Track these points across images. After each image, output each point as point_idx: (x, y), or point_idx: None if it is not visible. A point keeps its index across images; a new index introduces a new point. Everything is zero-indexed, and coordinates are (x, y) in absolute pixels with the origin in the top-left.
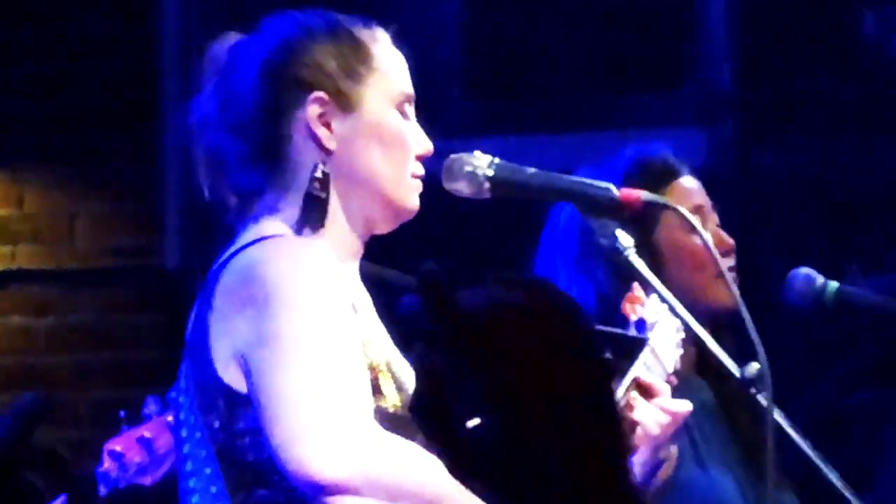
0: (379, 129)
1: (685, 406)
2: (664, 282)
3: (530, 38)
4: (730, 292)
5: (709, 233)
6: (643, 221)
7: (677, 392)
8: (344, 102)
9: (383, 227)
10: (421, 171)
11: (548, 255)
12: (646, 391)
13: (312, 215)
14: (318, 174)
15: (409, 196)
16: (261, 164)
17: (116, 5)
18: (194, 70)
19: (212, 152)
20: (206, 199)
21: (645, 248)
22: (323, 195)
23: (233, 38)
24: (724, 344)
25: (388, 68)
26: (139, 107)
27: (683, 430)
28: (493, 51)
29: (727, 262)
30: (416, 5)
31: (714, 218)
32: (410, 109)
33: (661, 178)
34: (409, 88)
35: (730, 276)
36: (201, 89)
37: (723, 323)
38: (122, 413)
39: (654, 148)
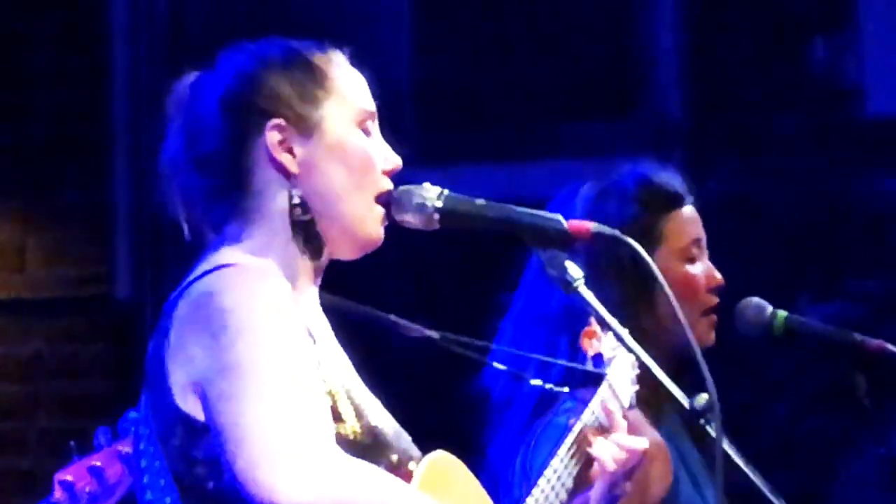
0: (341, 149)
1: (641, 443)
2: (652, 309)
3: (480, 68)
4: (710, 334)
5: (703, 267)
6: (643, 242)
7: (654, 417)
8: (303, 126)
9: (346, 254)
10: (388, 185)
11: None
12: (602, 431)
13: (307, 240)
14: (296, 200)
15: (372, 226)
16: (228, 196)
17: (66, 36)
18: (153, 106)
19: (184, 191)
20: (187, 238)
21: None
22: (307, 218)
23: (193, 76)
24: (684, 377)
25: (346, 89)
26: (89, 137)
27: (675, 452)
28: (442, 81)
29: (715, 299)
30: (365, 35)
31: (706, 253)
32: (374, 126)
33: (666, 204)
34: (370, 106)
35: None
36: (167, 130)
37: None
38: (72, 443)
39: (662, 172)
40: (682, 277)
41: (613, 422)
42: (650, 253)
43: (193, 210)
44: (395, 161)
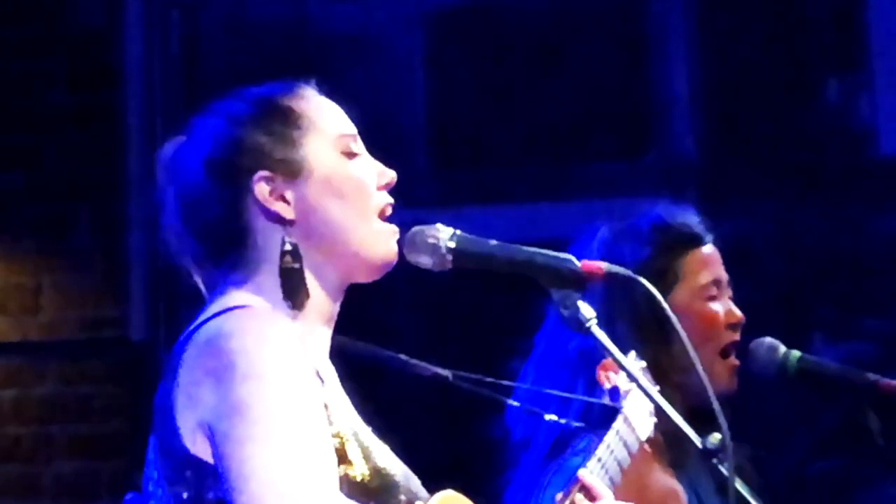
0: (331, 181)
1: None
2: (668, 350)
3: (494, 109)
4: (730, 379)
5: (724, 304)
6: (660, 284)
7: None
8: (289, 171)
9: (364, 277)
10: (387, 199)
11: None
12: (588, 493)
13: (294, 289)
14: (287, 247)
15: (382, 245)
16: (232, 255)
17: (81, 77)
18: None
19: (190, 255)
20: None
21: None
22: (296, 265)
23: (173, 144)
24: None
25: (320, 120)
26: (104, 178)
27: (692, 495)
28: (457, 122)
29: (734, 336)
30: (380, 75)
31: (729, 292)
32: (358, 146)
33: (681, 244)
34: (349, 128)
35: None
36: (162, 198)
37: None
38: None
39: (679, 213)
40: (701, 315)
41: (596, 493)
42: (666, 294)
43: (202, 268)
44: (389, 175)
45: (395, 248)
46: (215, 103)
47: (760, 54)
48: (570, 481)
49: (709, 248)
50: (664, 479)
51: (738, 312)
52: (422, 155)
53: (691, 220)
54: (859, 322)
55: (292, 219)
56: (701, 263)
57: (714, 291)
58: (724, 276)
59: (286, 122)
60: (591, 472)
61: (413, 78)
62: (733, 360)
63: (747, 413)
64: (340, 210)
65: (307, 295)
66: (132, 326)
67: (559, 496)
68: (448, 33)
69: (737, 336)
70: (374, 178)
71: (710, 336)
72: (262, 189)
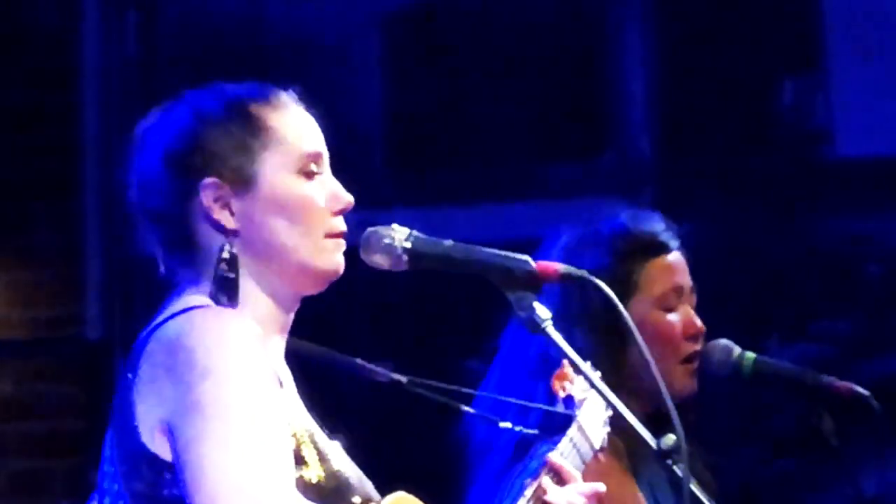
0: (279, 201)
1: (598, 486)
2: (625, 355)
3: (450, 109)
4: (689, 381)
5: (682, 314)
6: (619, 291)
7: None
8: (239, 181)
9: (309, 289)
10: (340, 227)
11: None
12: (557, 475)
13: (224, 296)
14: (225, 255)
15: (327, 257)
16: (180, 248)
17: (36, 75)
18: (119, 146)
19: (146, 237)
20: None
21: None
22: (231, 275)
23: (143, 125)
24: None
25: (287, 135)
26: (60, 176)
27: (650, 495)
28: (413, 123)
29: (694, 347)
30: (337, 76)
31: (692, 300)
32: (322, 166)
33: (642, 253)
34: (315, 147)
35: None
36: (127, 176)
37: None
38: None
39: (644, 219)
40: (657, 326)
41: (566, 475)
42: (625, 302)
43: (162, 252)
44: (345, 200)
45: (341, 260)
46: (191, 92)
47: (715, 55)
48: (539, 466)
49: (673, 257)
50: (623, 486)
51: (697, 322)
52: (378, 155)
53: (655, 227)
54: (814, 324)
55: (234, 229)
56: (660, 272)
57: (672, 301)
58: (688, 283)
59: (250, 131)
60: (561, 454)
61: (370, 79)
62: (691, 366)
63: (702, 415)
64: (284, 229)
65: (236, 304)
66: (88, 325)
67: (528, 481)
68: (405, 34)
69: (697, 346)
70: (329, 201)
71: (668, 346)
72: (208, 195)
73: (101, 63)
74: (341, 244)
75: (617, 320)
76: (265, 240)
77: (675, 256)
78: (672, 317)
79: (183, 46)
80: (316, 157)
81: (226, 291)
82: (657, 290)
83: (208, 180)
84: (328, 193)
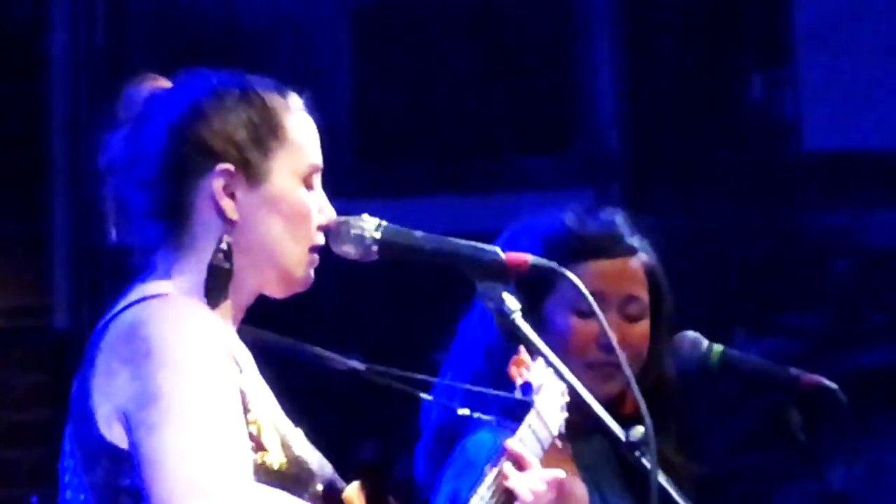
0: (283, 203)
1: (558, 473)
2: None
3: (419, 101)
4: (599, 385)
5: (593, 323)
6: (534, 290)
7: (580, 447)
8: (250, 174)
9: (276, 293)
10: (321, 241)
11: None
12: (517, 462)
13: (216, 285)
14: (224, 246)
15: (306, 271)
16: (162, 221)
17: (2, 64)
18: (91, 136)
19: (117, 200)
20: (112, 242)
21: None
22: (226, 266)
23: (149, 83)
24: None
25: (298, 140)
26: (27, 166)
27: (597, 494)
28: (382, 113)
29: (602, 356)
30: (306, 66)
31: (631, 309)
32: (317, 179)
33: (567, 255)
34: (318, 160)
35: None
36: (114, 129)
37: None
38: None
39: (588, 220)
40: (561, 329)
41: (525, 462)
42: (537, 302)
43: (122, 219)
44: (329, 215)
45: (312, 277)
46: (210, 72)
47: (685, 50)
48: (498, 453)
49: (609, 264)
50: (568, 479)
51: (609, 334)
52: (347, 146)
53: (599, 230)
54: (782, 318)
55: (235, 220)
56: (583, 276)
57: (584, 307)
58: (622, 292)
59: (268, 126)
60: (520, 440)
61: (339, 69)
62: (597, 371)
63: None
64: (280, 230)
65: (225, 297)
66: (55, 314)
67: (488, 468)
68: (374, 24)
69: (609, 357)
70: (318, 215)
71: (571, 351)
72: (219, 182)
73: (68, 51)
74: (316, 260)
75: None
76: (258, 235)
77: (614, 264)
78: (580, 323)
79: (152, 35)
80: (317, 170)
81: (217, 281)
82: (571, 294)
83: (223, 166)
84: (319, 207)
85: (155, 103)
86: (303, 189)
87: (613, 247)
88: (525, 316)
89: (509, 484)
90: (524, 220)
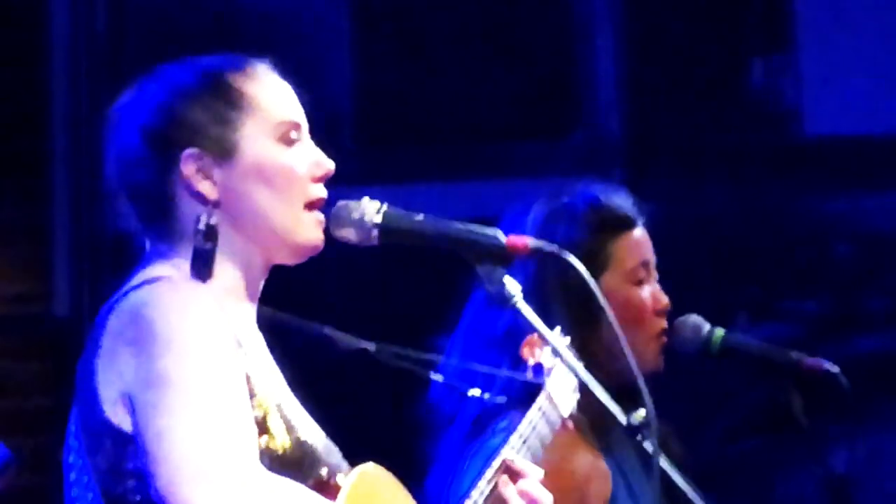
0: (260, 168)
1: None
2: (597, 329)
3: (421, 86)
4: (657, 357)
5: (651, 290)
6: (591, 266)
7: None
8: (219, 151)
9: (287, 260)
10: (320, 194)
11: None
12: (514, 474)
13: (200, 268)
14: (202, 226)
15: (307, 231)
16: (158, 221)
17: (4, 52)
18: (88, 122)
19: (124, 211)
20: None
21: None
22: (208, 247)
23: (123, 99)
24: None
25: (265, 103)
26: (28, 153)
27: (621, 479)
28: (383, 98)
29: (662, 322)
30: (306, 51)
31: (656, 276)
32: (301, 134)
33: (614, 227)
34: (294, 115)
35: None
36: (105, 153)
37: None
38: None
39: (613, 194)
40: (629, 301)
41: (521, 470)
42: (597, 276)
43: (141, 228)
44: (326, 166)
45: (321, 235)
46: (165, 67)
47: (686, 35)
48: (492, 461)
49: (639, 232)
50: (589, 460)
51: (664, 299)
52: (348, 131)
53: (624, 202)
54: (783, 303)
55: (216, 199)
56: (631, 247)
57: (642, 274)
58: (653, 258)
59: (228, 101)
60: (513, 448)
61: (339, 54)
62: (661, 340)
63: (671, 391)
64: (266, 198)
65: (210, 275)
66: (56, 302)
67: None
68: (375, 10)
69: (664, 322)
70: (310, 168)
71: (639, 321)
72: (189, 166)
73: (70, 38)
74: (321, 219)
75: (588, 295)
76: (246, 208)
77: (642, 232)
78: (642, 291)
79: (152, 22)
80: (296, 126)
81: (200, 263)
82: (628, 264)
83: (189, 151)
84: (309, 161)
85: (123, 115)
86: (280, 148)
87: (638, 217)
88: (526, 298)
89: (500, 491)
90: (544, 204)
